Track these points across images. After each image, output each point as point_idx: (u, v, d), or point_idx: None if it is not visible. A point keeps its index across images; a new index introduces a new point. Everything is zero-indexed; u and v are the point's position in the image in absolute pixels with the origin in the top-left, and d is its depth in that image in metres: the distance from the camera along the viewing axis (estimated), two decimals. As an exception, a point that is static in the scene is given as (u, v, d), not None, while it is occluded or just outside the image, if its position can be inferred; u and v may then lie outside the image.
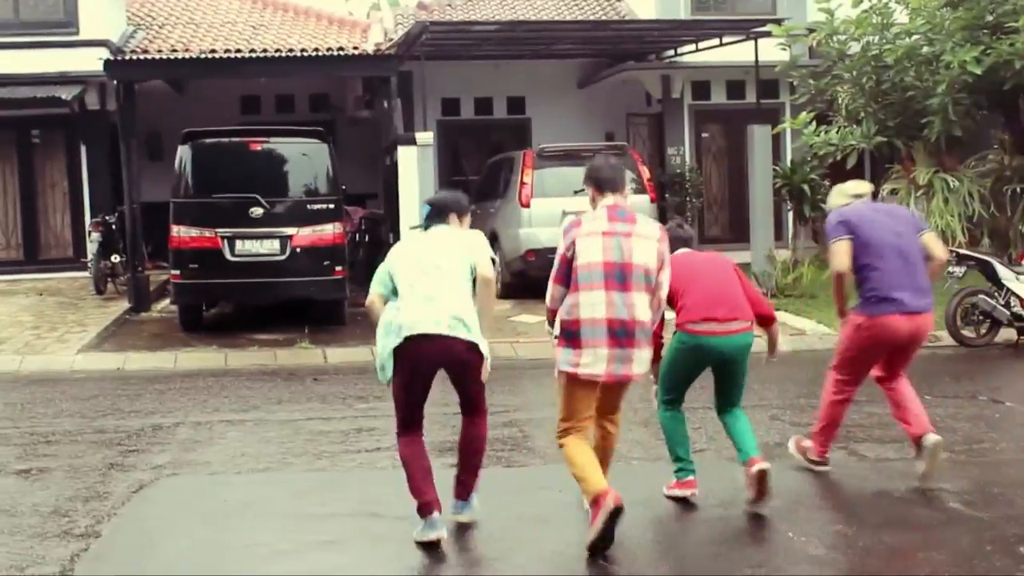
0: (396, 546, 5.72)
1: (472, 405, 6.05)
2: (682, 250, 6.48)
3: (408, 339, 5.68)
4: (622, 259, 5.61)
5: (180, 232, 12.77)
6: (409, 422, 5.93)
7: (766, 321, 6.61)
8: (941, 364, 11.28)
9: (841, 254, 6.53)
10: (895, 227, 6.59)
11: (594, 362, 5.58)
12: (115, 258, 15.62)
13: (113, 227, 15.84)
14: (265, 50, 17.72)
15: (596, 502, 5.43)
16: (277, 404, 9.48)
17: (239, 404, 9.50)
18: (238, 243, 12.71)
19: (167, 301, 14.55)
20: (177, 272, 12.87)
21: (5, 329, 13.14)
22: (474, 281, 5.92)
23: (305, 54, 17.17)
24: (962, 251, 12.48)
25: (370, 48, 18.13)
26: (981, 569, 5.16)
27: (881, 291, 6.47)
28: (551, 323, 5.86)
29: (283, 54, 17.16)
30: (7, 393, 10.17)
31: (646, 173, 15.40)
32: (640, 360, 5.71)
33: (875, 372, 6.86)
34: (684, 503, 6.32)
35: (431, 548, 5.62)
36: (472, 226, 6.44)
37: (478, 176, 18.05)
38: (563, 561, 5.52)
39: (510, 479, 6.92)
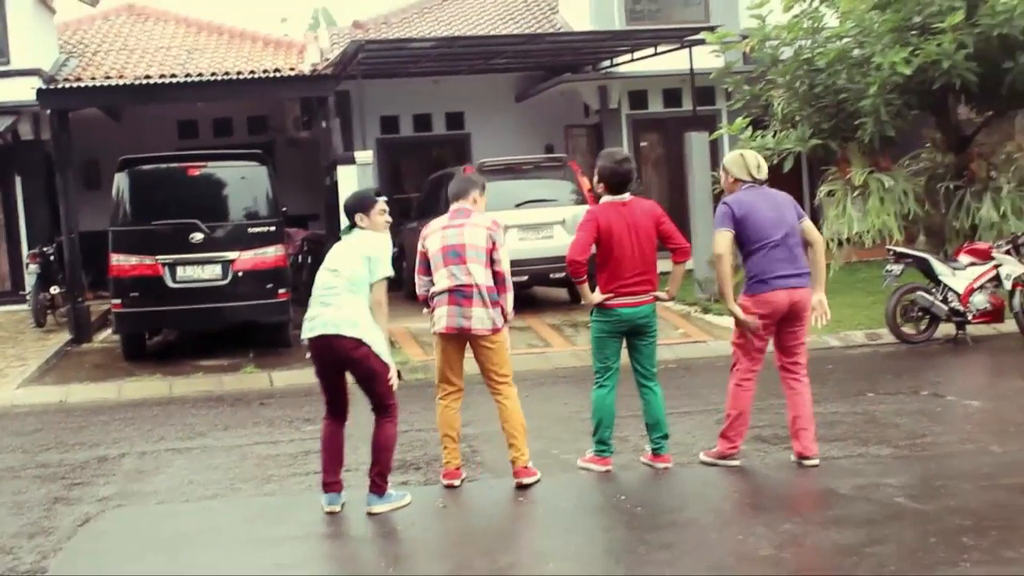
0: (349, 567, 5.70)
1: (375, 404, 6.52)
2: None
3: (309, 339, 6.40)
4: (457, 242, 6.88)
5: (120, 260, 12.65)
6: (329, 407, 6.61)
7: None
8: (882, 361, 11.44)
9: (723, 244, 6.96)
10: (777, 212, 7.00)
11: (440, 318, 6.84)
12: (54, 289, 15.42)
13: (51, 258, 15.64)
14: (201, 74, 17.61)
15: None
16: (224, 430, 9.40)
17: (185, 432, 9.41)
18: (179, 269, 12.61)
19: (109, 331, 14.40)
20: (118, 301, 12.73)
21: (-56, 366, 12.93)
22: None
23: (241, 77, 17.11)
24: (899, 249, 12.65)
25: (307, 69, 18.08)
26: (927, 561, 5.24)
27: (763, 273, 6.93)
28: (426, 305, 7.08)
29: (219, 78, 17.08)
30: (-53, 431, 10.00)
31: (586, 184, 15.45)
32: (479, 318, 6.79)
33: (777, 361, 7.17)
34: (631, 511, 6.34)
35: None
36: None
37: (419, 193, 18.03)
38: (517, 572, 5.53)
39: (460, 493, 6.90)
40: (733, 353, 7.24)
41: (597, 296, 7.00)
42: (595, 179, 7.21)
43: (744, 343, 7.13)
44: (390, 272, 6.48)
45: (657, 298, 7.16)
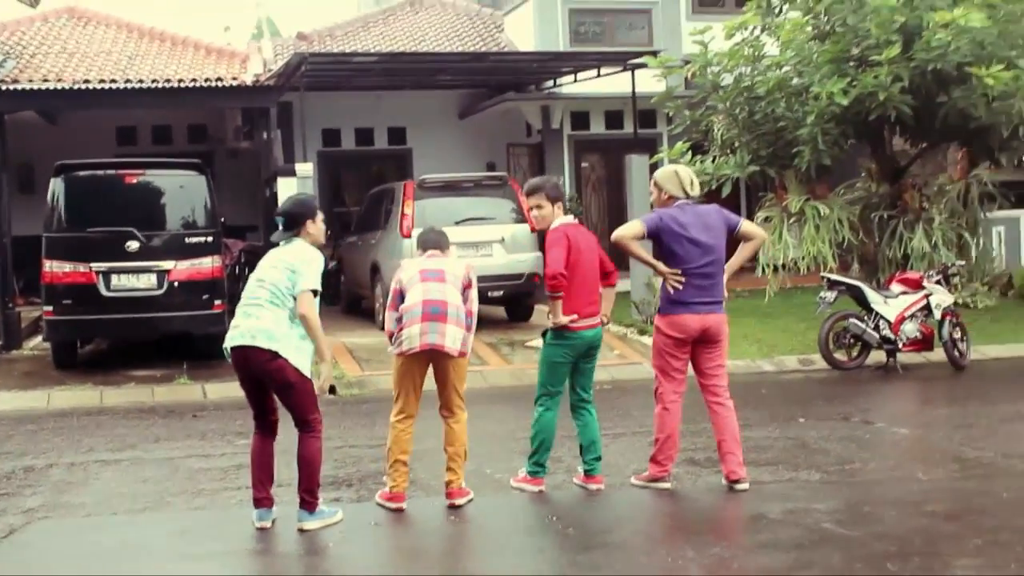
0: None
1: (295, 419, 6.44)
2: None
3: (231, 349, 6.35)
4: (437, 267, 6.91)
5: (53, 267, 12.48)
6: (257, 421, 6.55)
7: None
8: (814, 387, 11.60)
9: (631, 231, 7.05)
10: (707, 236, 7.02)
11: (412, 337, 6.70)
12: (-16, 294, 15.14)
13: (-18, 262, 15.36)
14: (141, 80, 17.41)
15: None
16: (155, 442, 9.30)
17: (115, 443, 9.29)
18: (114, 278, 12.46)
19: (40, 338, 14.16)
20: (50, 308, 12.55)
21: None
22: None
23: (183, 84, 16.94)
24: (833, 277, 12.85)
25: (249, 79, 17.94)
26: (851, 587, 5.32)
27: (679, 296, 7.00)
28: (391, 340, 6.85)
29: (160, 84, 16.90)
30: None
31: (526, 203, 15.53)
32: (452, 336, 6.70)
33: (699, 384, 7.26)
34: (563, 532, 6.37)
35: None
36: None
37: (359, 207, 17.99)
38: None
39: (392, 512, 6.87)
40: (655, 377, 7.29)
41: (564, 319, 6.94)
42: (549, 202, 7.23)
43: (662, 364, 7.18)
44: (316, 285, 6.33)
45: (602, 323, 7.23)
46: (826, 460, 7.99)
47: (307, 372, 6.35)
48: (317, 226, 6.54)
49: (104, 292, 12.41)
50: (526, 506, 6.98)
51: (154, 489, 7.65)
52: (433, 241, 7.15)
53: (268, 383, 6.38)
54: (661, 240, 7.04)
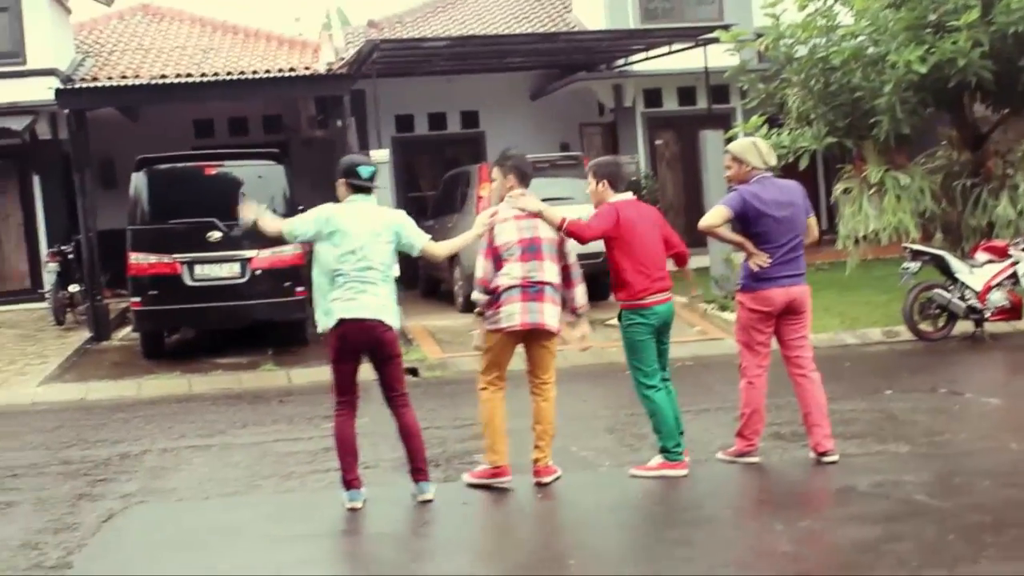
0: (371, 565, 5.74)
1: (392, 392, 6.72)
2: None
3: (347, 320, 6.52)
4: (533, 235, 6.77)
5: (138, 259, 12.73)
6: (344, 400, 6.66)
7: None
8: (899, 359, 11.45)
9: (718, 216, 7.04)
10: (789, 213, 7.01)
11: (512, 315, 6.69)
12: (73, 288, 15.52)
13: (70, 257, 15.74)
14: (216, 73, 17.68)
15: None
16: (243, 427, 9.47)
17: (205, 429, 9.48)
18: (197, 268, 12.69)
19: (128, 329, 14.49)
20: (137, 299, 12.82)
21: (-36, 364, 13.04)
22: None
23: (257, 76, 17.17)
24: (916, 247, 12.64)
25: (322, 68, 18.13)
26: (946, 558, 5.25)
27: (762, 272, 6.97)
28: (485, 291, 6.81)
29: (235, 77, 17.14)
30: (-31, 428, 10.09)
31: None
32: (551, 314, 6.74)
33: (783, 356, 7.23)
34: (650, 508, 6.37)
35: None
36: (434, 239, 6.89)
37: (435, 191, 18.07)
38: (537, 570, 5.56)
39: (480, 490, 6.92)
40: (739, 352, 7.25)
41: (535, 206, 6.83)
42: (595, 181, 7.12)
43: (747, 339, 7.16)
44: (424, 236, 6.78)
45: (693, 298, 7.24)
46: (914, 432, 7.90)
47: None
48: None
49: (188, 282, 12.64)
50: (613, 483, 6.99)
51: (244, 473, 7.79)
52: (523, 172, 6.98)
53: (378, 355, 6.53)
54: (748, 219, 6.99)
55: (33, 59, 17.11)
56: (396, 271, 6.62)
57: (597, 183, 7.10)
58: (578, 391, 10.30)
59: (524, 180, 6.95)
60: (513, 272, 6.72)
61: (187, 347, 14.01)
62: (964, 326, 12.25)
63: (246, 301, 12.78)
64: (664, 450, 6.96)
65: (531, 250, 6.75)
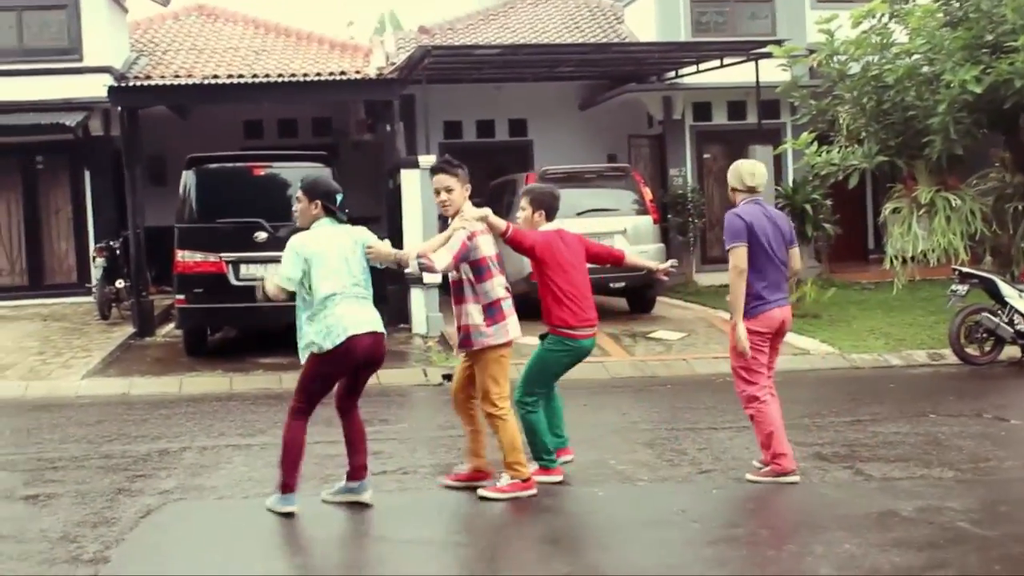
0: (410, 570, 5.72)
1: (356, 397, 6.96)
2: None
3: (358, 335, 6.59)
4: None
5: (184, 257, 12.83)
6: (340, 405, 6.96)
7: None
8: (945, 382, 11.30)
9: (744, 258, 7.01)
10: (777, 236, 7.14)
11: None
12: (119, 283, 15.66)
13: (117, 252, 15.89)
14: (268, 75, 17.80)
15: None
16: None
17: (245, 428, 9.52)
18: (242, 267, 12.76)
19: (171, 326, 14.60)
20: (182, 297, 12.91)
21: (10, 355, 13.18)
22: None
23: (308, 79, 17.25)
24: (965, 269, 12.50)
25: (372, 72, 18.21)
26: (989, 588, 5.17)
27: (763, 294, 7.08)
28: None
29: (286, 79, 17.24)
30: (13, 419, 10.19)
31: (648, 194, 15.46)
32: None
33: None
34: (688, 525, 6.31)
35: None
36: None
37: (481, 199, 18.06)
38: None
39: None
40: (737, 381, 7.18)
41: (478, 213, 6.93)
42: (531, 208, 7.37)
43: (749, 363, 7.09)
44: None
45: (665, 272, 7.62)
46: (959, 457, 7.77)
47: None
48: None
49: (233, 281, 12.72)
50: (651, 498, 6.93)
51: (283, 474, 7.78)
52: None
53: (371, 364, 6.67)
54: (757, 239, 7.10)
55: (89, 56, 17.32)
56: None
57: (533, 211, 7.32)
58: (618, 404, 10.26)
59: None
60: (501, 283, 6.87)
61: (229, 346, 14.09)
62: (1011, 351, 12.09)
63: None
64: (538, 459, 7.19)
65: (500, 264, 6.95)
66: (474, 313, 6.79)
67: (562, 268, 7.11)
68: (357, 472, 6.77)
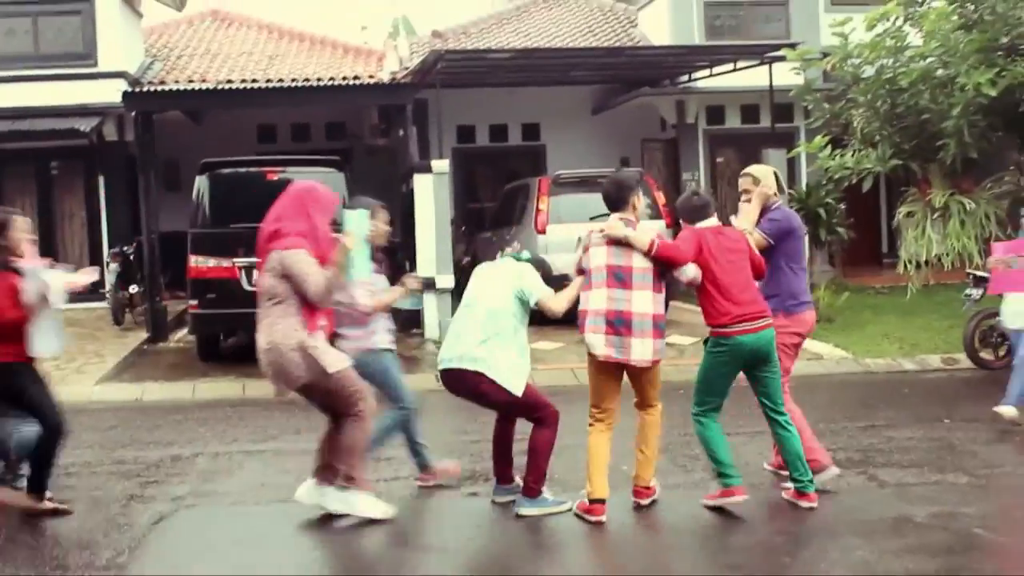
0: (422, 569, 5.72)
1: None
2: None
3: None
4: (624, 262, 6.37)
5: (198, 262, 12.83)
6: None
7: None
8: (959, 387, 11.24)
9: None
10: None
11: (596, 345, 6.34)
12: (133, 288, 15.71)
13: (131, 257, 15.94)
14: (281, 80, 17.84)
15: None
16: (296, 434, 9.48)
17: (258, 434, 9.52)
18: (256, 273, 12.74)
19: (185, 331, 14.61)
20: (195, 302, 12.92)
21: (25, 360, 13.19)
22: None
23: (321, 83, 17.29)
24: (979, 273, 12.43)
25: (386, 77, 18.22)
26: (1004, 595, 5.14)
27: (800, 294, 7.18)
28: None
29: (299, 84, 17.28)
30: (27, 424, 10.19)
31: (661, 198, 15.43)
32: (639, 350, 6.27)
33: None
34: (703, 532, 6.29)
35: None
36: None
37: (494, 203, 18.08)
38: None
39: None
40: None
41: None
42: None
43: (790, 364, 7.24)
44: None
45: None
46: (974, 463, 7.73)
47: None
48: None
49: (247, 287, 12.71)
50: (664, 503, 6.90)
51: (297, 480, 7.71)
52: (615, 196, 6.75)
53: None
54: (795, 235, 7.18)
55: (104, 61, 17.37)
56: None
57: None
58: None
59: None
60: (598, 300, 6.34)
61: (242, 351, 14.03)
62: (1027, 355, 11.99)
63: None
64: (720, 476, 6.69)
65: (617, 278, 6.35)
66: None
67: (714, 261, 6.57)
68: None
